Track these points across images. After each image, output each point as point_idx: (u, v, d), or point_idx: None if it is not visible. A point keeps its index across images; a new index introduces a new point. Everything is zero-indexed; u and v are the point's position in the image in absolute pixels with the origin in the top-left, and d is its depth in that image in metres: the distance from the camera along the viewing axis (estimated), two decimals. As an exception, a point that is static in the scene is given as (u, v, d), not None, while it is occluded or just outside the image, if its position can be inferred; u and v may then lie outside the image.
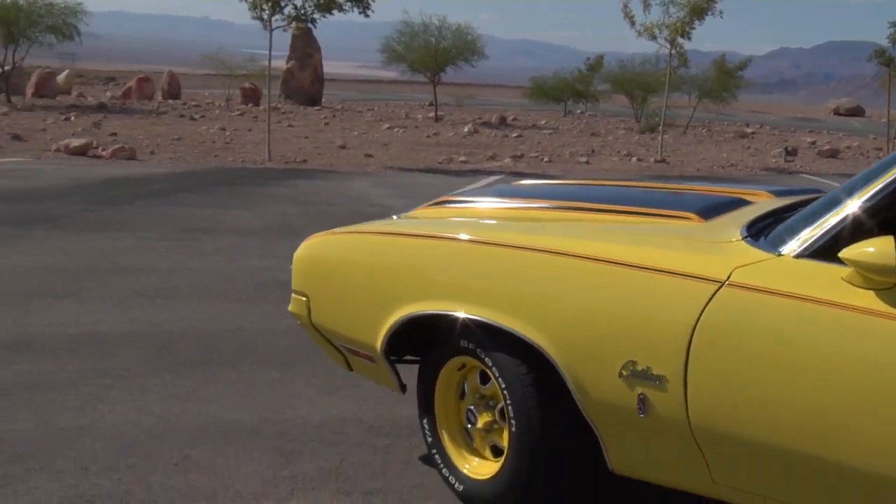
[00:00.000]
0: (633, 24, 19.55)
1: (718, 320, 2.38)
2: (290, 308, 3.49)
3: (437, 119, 32.01)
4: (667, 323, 2.46)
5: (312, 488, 3.15)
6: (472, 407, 3.05)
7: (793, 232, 2.45)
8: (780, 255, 2.41)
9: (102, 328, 5.10)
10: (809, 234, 2.38)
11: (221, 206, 10.39)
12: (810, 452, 2.26)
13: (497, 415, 2.97)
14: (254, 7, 17.19)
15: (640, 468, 2.71)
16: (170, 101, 35.96)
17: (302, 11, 17.92)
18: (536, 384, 2.75)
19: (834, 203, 2.40)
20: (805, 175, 18.05)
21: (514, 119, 34.39)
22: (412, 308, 2.98)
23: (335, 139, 21.88)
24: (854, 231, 2.30)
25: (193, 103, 35.09)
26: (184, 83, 42.63)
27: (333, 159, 17.68)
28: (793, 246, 2.40)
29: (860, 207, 2.32)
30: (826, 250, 2.32)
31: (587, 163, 19.21)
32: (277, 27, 17.28)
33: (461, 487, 3.04)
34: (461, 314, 2.85)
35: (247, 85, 37.58)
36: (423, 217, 3.54)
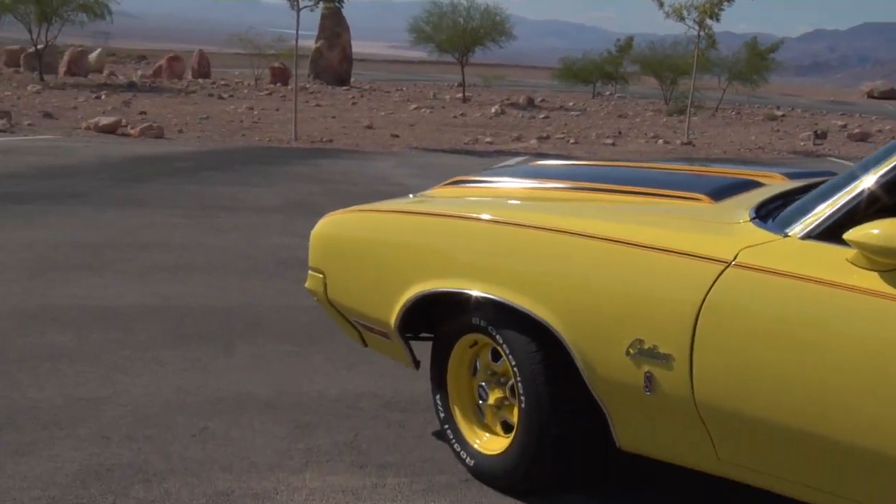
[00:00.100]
0: (661, 5, 19.42)
1: (724, 300, 2.40)
2: (306, 284, 3.55)
3: (465, 100, 31.97)
4: (674, 302, 2.49)
5: (327, 461, 3.21)
6: (483, 383, 3.10)
7: (800, 214, 2.47)
8: (786, 236, 2.43)
9: (124, 301, 5.19)
10: (815, 216, 2.40)
11: (245, 185, 10.49)
12: (812, 431, 2.28)
13: (508, 391, 3.01)
14: (281, -14, 17.24)
15: (646, 445, 2.75)
16: (199, 81, 36.17)
17: (329, -9, 17.93)
18: (546, 361, 2.79)
19: (840, 186, 2.42)
20: (833, 158, 17.87)
21: (543, 100, 34.28)
22: (425, 285, 3.02)
23: (362, 119, 21.93)
24: (859, 213, 2.32)
25: (223, 82, 35.30)
26: (214, 62, 42.85)
27: (359, 139, 17.74)
28: (799, 227, 2.42)
29: (865, 190, 2.34)
30: (831, 232, 2.34)
31: (613, 144, 19.16)
32: (305, 7, 17.31)
33: (472, 462, 3.09)
34: (473, 292, 2.89)
35: (276, 64, 37.65)
36: (439, 196, 3.58)
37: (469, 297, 2.91)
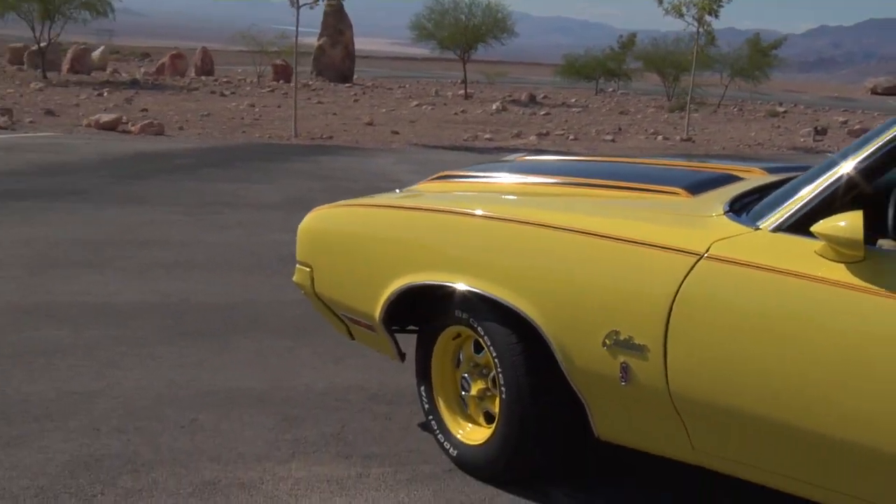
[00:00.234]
0: (660, 2, 19.44)
1: (697, 292, 2.45)
2: (294, 278, 3.60)
3: (467, 97, 32.01)
4: (648, 294, 2.53)
5: (313, 451, 3.26)
6: (466, 375, 3.15)
7: (771, 207, 2.51)
8: (757, 229, 2.47)
9: (121, 298, 5.24)
10: (785, 209, 2.44)
11: (245, 181, 10.54)
12: (783, 420, 2.33)
13: (490, 383, 3.07)
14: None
15: (623, 435, 2.80)
16: (202, 78, 36.25)
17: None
18: (526, 353, 2.84)
19: (809, 179, 2.47)
20: (832, 154, 17.85)
21: (545, 97, 34.30)
22: (409, 279, 3.07)
23: (363, 116, 21.98)
24: (827, 206, 2.36)
25: (225, 80, 35.37)
26: (218, 60, 42.91)
27: (359, 136, 17.80)
28: (770, 220, 2.46)
29: (833, 183, 2.38)
30: (801, 224, 2.38)
31: (613, 141, 19.19)
32: (304, 4, 17.36)
33: (455, 452, 3.14)
34: (455, 285, 2.94)
35: (278, 62, 37.70)
36: (425, 191, 3.63)
37: (451, 289, 2.96)
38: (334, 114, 22.71)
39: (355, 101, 28.09)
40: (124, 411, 3.55)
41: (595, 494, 3.01)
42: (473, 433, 3.13)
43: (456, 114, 24.81)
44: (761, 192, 2.86)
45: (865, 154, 2.36)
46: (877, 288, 2.20)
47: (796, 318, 2.31)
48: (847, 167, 2.38)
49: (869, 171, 2.36)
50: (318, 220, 3.53)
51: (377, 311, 3.18)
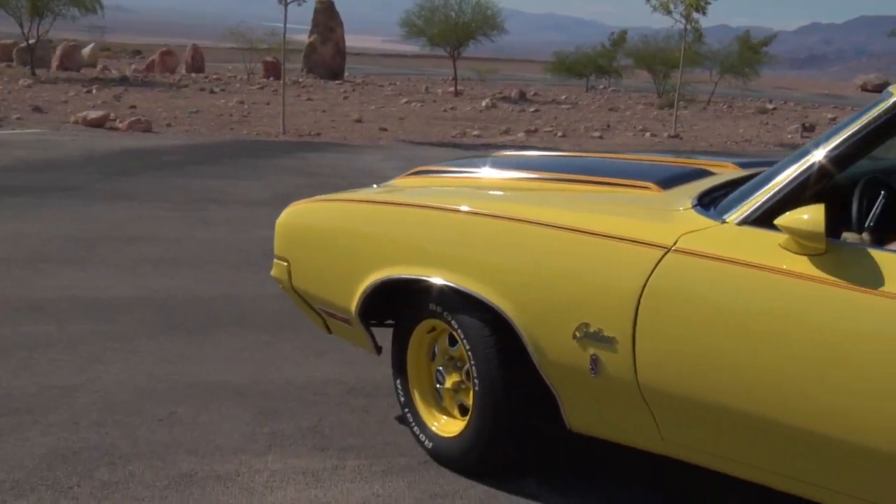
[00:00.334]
0: (647, -1, 19.48)
1: (664, 284, 2.49)
2: (272, 272, 3.63)
3: (457, 94, 32.01)
4: (617, 287, 2.57)
5: (290, 444, 3.29)
6: (440, 368, 3.18)
7: (738, 201, 2.55)
8: (724, 222, 2.51)
9: (107, 294, 5.26)
10: (751, 203, 2.48)
11: (233, 178, 10.54)
12: (748, 410, 2.37)
13: (464, 375, 3.10)
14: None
15: (594, 426, 2.84)
16: (192, 75, 36.14)
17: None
18: (498, 346, 2.88)
19: (774, 174, 2.50)
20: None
21: (535, 94, 34.32)
22: (384, 273, 3.10)
23: (352, 113, 21.97)
24: (791, 200, 2.40)
25: (215, 77, 35.28)
26: (209, 57, 42.79)
27: (347, 133, 17.80)
28: (736, 214, 2.50)
29: (798, 177, 2.42)
30: (765, 218, 2.42)
31: (601, 137, 19.22)
32: (292, 1, 17.35)
33: (430, 444, 3.17)
34: (430, 279, 2.97)
35: (269, 59, 37.63)
36: (401, 186, 3.66)
37: (426, 283, 2.99)
38: (323, 111, 22.69)
39: (345, 98, 28.07)
40: (104, 405, 3.57)
41: (568, 487, 3.04)
42: (448, 425, 3.17)
43: (445, 111, 24.81)
44: (731, 186, 2.89)
45: (829, 148, 2.40)
46: (838, 280, 2.24)
47: (760, 311, 2.35)
48: (810, 162, 2.42)
49: (831, 165, 2.40)
50: (296, 215, 3.56)
51: (353, 305, 3.21)
